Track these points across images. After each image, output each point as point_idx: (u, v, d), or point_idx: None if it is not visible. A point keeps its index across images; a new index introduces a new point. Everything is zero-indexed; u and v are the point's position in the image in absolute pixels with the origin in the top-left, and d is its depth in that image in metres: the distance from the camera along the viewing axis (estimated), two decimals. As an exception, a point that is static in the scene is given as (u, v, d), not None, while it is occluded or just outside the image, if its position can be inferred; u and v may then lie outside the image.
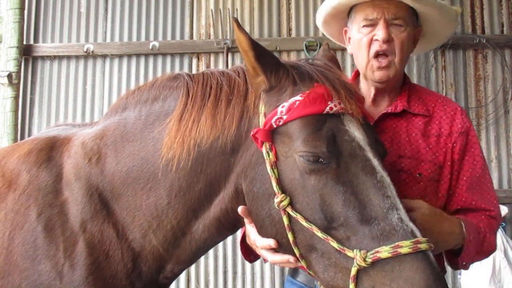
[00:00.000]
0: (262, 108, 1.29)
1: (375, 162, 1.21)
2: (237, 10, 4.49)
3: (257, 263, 4.20)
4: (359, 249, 1.10)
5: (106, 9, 4.56)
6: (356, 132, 1.24)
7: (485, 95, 4.34)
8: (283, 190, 1.21)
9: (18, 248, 1.36)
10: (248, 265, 4.22)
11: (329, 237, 1.14)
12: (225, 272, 4.25)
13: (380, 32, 1.56)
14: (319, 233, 1.15)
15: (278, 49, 4.36)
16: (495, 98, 4.29)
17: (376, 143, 1.30)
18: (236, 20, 1.24)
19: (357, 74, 1.79)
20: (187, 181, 1.36)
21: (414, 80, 4.36)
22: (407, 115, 1.66)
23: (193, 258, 1.48)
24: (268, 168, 1.23)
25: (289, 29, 4.48)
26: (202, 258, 4.23)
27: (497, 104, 4.28)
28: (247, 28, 4.48)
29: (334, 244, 1.13)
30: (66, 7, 4.56)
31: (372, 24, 1.59)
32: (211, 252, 4.23)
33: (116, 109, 1.53)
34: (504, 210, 3.93)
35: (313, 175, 1.18)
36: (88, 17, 4.54)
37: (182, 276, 4.25)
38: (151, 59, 4.48)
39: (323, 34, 1.94)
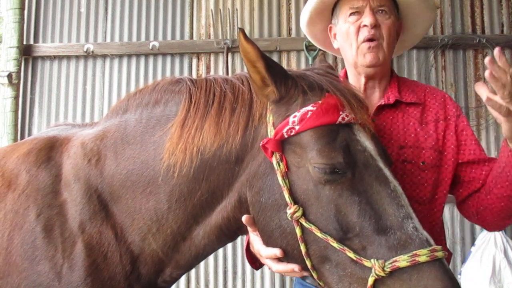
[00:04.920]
0: (270, 118, 1.28)
1: (387, 171, 1.22)
2: (237, 10, 4.49)
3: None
4: (376, 258, 1.10)
5: (106, 9, 4.55)
6: (366, 142, 1.25)
7: (485, 95, 4.34)
8: (295, 201, 1.20)
9: (17, 249, 1.36)
10: (248, 265, 4.22)
11: (345, 247, 1.13)
12: (225, 272, 4.25)
13: (367, 18, 1.60)
14: (334, 244, 1.14)
15: (278, 49, 4.36)
16: (495, 98, 4.28)
17: (384, 152, 1.31)
18: (242, 31, 1.22)
19: (345, 75, 1.81)
20: (188, 187, 1.34)
21: (414, 80, 4.37)
22: (401, 105, 1.68)
23: (192, 263, 1.47)
24: (280, 178, 1.21)
25: (289, 29, 4.48)
26: (202, 258, 4.23)
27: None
28: (247, 28, 4.47)
29: (351, 255, 1.12)
30: (66, 7, 4.56)
31: (358, 12, 1.64)
32: (211, 252, 4.23)
33: (117, 111, 1.52)
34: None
35: (328, 185, 1.18)
36: (88, 17, 4.54)
37: (182, 276, 4.24)
38: (151, 59, 4.48)
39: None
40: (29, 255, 1.35)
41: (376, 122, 1.65)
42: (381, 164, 1.23)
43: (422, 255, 1.07)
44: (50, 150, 1.49)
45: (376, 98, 1.72)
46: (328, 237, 1.15)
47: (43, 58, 4.50)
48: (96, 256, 1.36)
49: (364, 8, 1.63)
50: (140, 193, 1.38)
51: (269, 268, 1.38)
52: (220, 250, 4.23)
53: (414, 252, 1.08)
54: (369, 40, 1.61)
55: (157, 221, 1.38)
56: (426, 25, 1.85)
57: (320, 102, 1.24)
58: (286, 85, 1.28)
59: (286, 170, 1.22)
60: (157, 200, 1.37)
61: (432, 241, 1.13)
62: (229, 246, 4.22)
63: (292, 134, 1.23)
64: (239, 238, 4.51)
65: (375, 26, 1.60)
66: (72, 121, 4.24)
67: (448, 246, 4.23)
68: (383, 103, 1.67)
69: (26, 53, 4.43)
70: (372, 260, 1.10)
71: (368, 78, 1.70)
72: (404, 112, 1.68)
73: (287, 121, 1.23)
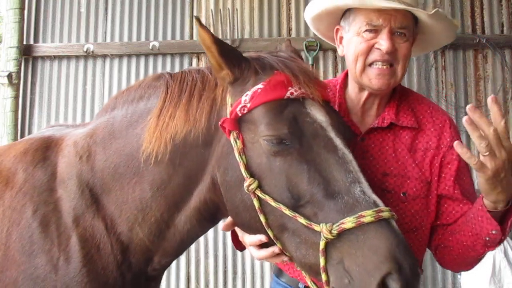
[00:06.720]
0: (229, 100, 1.35)
1: (337, 141, 1.27)
2: (237, 10, 4.49)
3: (257, 263, 4.20)
4: (325, 223, 1.15)
5: (106, 9, 4.56)
6: (318, 114, 1.30)
7: (485, 95, 4.34)
8: (251, 175, 1.26)
9: (15, 244, 1.43)
10: (248, 265, 4.23)
11: (296, 214, 1.19)
12: (225, 272, 4.25)
13: (384, 42, 1.48)
14: (287, 212, 1.20)
15: (278, 49, 4.35)
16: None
17: (341, 124, 1.36)
18: (197, 19, 1.30)
19: (346, 75, 1.73)
20: (167, 174, 1.42)
21: (414, 80, 4.37)
22: (395, 127, 1.62)
23: (179, 250, 1.54)
24: (236, 155, 1.28)
25: (289, 29, 4.48)
26: (202, 258, 4.24)
27: (497, 104, 4.28)
28: (247, 28, 4.48)
29: (302, 220, 1.18)
30: (66, 7, 4.56)
31: (375, 30, 1.50)
32: (211, 252, 4.23)
33: (106, 109, 1.60)
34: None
35: (278, 157, 1.24)
36: (88, 17, 4.54)
37: (182, 276, 4.25)
38: (151, 59, 4.48)
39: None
40: (26, 250, 1.42)
41: (365, 142, 1.61)
42: (331, 134, 1.28)
43: (367, 216, 1.11)
44: (46, 150, 1.56)
45: (372, 115, 1.65)
46: (281, 206, 1.21)
47: (43, 58, 4.51)
48: (89, 247, 1.43)
49: (383, 28, 1.49)
50: (127, 184, 1.46)
51: (252, 255, 1.42)
52: (220, 250, 4.23)
53: (360, 213, 1.12)
54: (381, 61, 1.52)
55: (142, 210, 1.45)
56: (440, 44, 1.78)
57: (268, 79, 1.30)
58: (240, 67, 1.35)
59: (243, 146, 1.29)
60: (142, 189, 1.44)
61: (380, 203, 1.16)
62: (229, 246, 4.23)
63: (245, 112, 1.29)
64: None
65: (391, 52, 1.49)
66: (72, 121, 4.25)
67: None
68: (375, 125, 1.61)
69: (26, 53, 4.43)
70: (321, 224, 1.15)
71: (371, 94, 1.62)
72: (396, 135, 1.61)
73: (240, 100, 1.30)
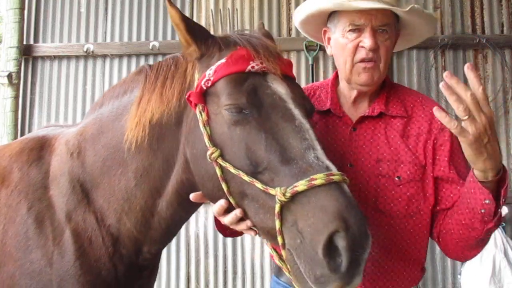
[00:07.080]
0: (197, 76, 1.43)
1: (295, 111, 1.33)
2: (237, 10, 4.49)
3: (257, 263, 4.21)
4: (280, 187, 1.19)
5: (106, 9, 4.56)
6: (278, 87, 1.37)
7: (485, 95, 4.33)
8: (214, 144, 1.33)
9: (11, 240, 1.49)
10: (248, 265, 4.22)
11: (254, 180, 1.24)
12: (225, 272, 4.25)
13: (367, 40, 1.56)
14: (245, 177, 1.25)
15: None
16: (495, 98, 4.28)
17: (301, 98, 1.42)
18: None
19: (337, 75, 1.80)
20: (148, 160, 1.48)
21: (414, 80, 4.36)
22: (385, 117, 1.67)
23: (167, 237, 1.60)
24: (201, 126, 1.34)
25: (289, 29, 4.48)
26: (202, 258, 4.23)
27: (497, 104, 4.28)
28: (247, 28, 4.48)
29: (259, 185, 1.23)
30: (66, 7, 4.56)
31: (358, 30, 1.58)
32: (211, 252, 4.23)
33: (95, 107, 1.67)
34: (504, 210, 3.93)
35: (238, 125, 1.31)
36: (88, 17, 4.55)
37: (182, 276, 4.25)
38: (151, 59, 4.48)
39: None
40: (22, 245, 1.48)
41: (357, 132, 1.67)
42: (290, 105, 1.34)
43: (318, 179, 1.16)
44: (41, 149, 1.63)
45: (363, 107, 1.72)
46: (240, 172, 1.26)
47: (43, 58, 4.51)
48: (82, 241, 1.49)
49: (365, 27, 1.57)
50: (113, 175, 1.52)
51: (224, 223, 1.43)
52: (220, 250, 4.23)
53: (311, 176, 1.16)
54: (367, 58, 1.59)
55: (128, 200, 1.51)
56: (423, 37, 1.83)
57: (230, 54, 1.38)
58: (206, 43, 1.43)
59: (207, 118, 1.36)
60: (127, 179, 1.51)
61: (333, 168, 1.21)
62: (229, 246, 4.23)
63: (209, 85, 1.36)
64: (239, 240, 4.48)
65: (374, 49, 1.57)
66: (72, 122, 4.25)
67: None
68: (366, 114, 1.67)
69: (26, 53, 4.43)
70: (276, 188, 1.19)
71: (360, 92, 1.69)
72: (387, 123, 1.67)
73: (204, 74, 1.38)
